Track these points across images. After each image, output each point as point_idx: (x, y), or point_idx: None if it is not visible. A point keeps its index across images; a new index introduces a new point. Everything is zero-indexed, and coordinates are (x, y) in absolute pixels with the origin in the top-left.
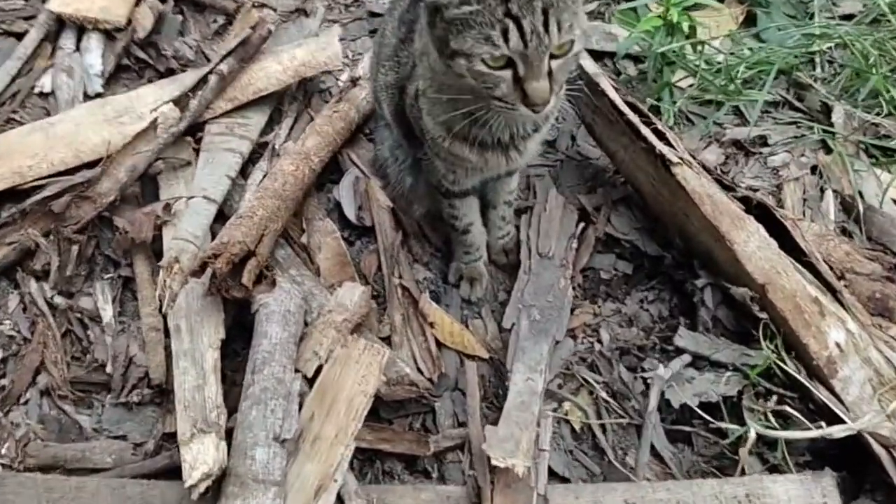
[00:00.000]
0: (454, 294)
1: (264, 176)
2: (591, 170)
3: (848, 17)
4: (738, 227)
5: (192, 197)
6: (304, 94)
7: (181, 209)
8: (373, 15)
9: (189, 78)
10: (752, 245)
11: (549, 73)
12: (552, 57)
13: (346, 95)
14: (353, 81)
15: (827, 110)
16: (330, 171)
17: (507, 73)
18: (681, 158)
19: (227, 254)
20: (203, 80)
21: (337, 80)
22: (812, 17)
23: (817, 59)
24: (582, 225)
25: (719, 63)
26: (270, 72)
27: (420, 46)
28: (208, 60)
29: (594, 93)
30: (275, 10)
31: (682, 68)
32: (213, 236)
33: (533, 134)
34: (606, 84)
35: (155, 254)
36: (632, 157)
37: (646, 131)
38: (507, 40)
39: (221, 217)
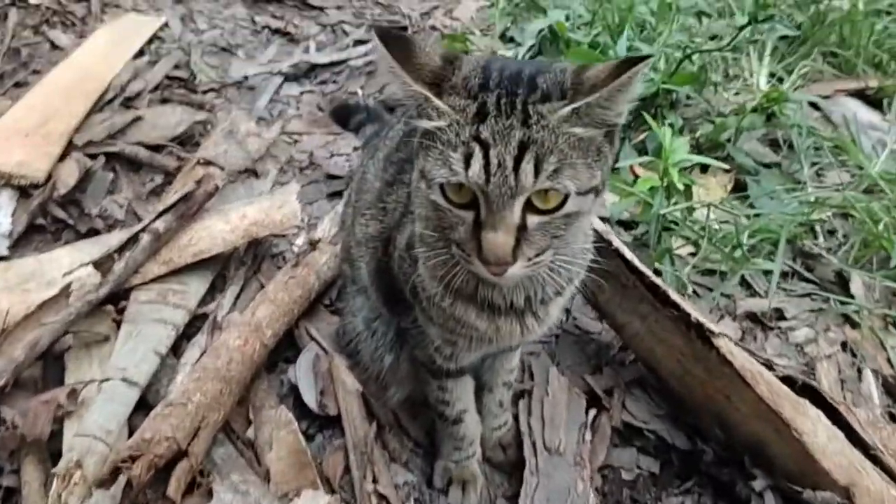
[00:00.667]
0: (442, 502)
1: (202, 353)
2: (594, 346)
3: (832, 188)
4: (800, 412)
5: (106, 380)
6: (253, 258)
7: (91, 396)
8: (331, 177)
9: (116, 238)
10: (821, 436)
11: (521, 228)
12: (533, 209)
13: (304, 259)
14: (313, 245)
15: (842, 280)
16: (284, 348)
17: (468, 215)
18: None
19: (150, 455)
20: (133, 240)
21: (291, 244)
22: (801, 184)
23: (818, 228)
24: (593, 412)
25: (716, 230)
26: (215, 231)
27: (415, 176)
28: (140, 220)
29: (601, 254)
30: (222, 168)
31: (680, 235)
32: (132, 431)
33: (554, 297)
34: (619, 243)
35: (52, 455)
36: (651, 329)
37: (676, 297)
38: (467, 167)
39: (144, 405)
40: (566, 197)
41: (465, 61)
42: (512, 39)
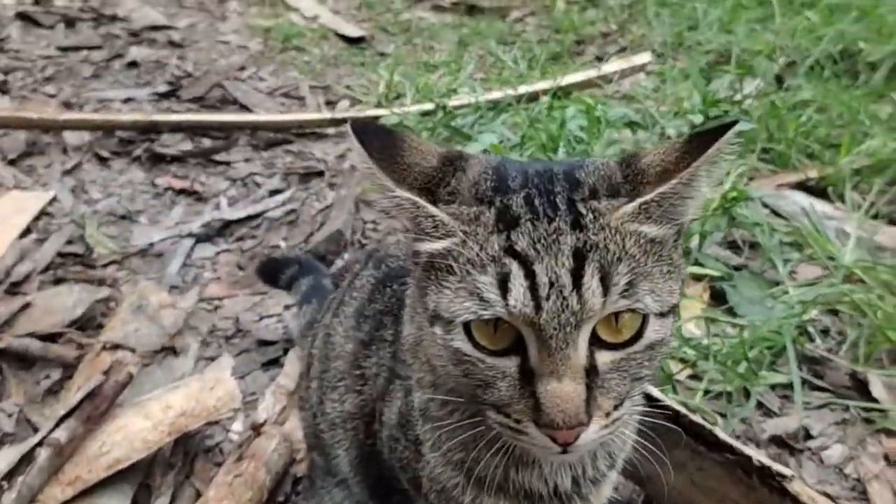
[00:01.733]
0: None
1: None
2: None
3: (812, 284)
4: None
5: None
6: (183, 457)
7: None
8: (264, 343)
9: (3, 458)
10: None
11: (591, 371)
12: (601, 344)
13: (248, 450)
14: (256, 429)
15: (858, 384)
16: None
17: (511, 363)
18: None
19: None
20: (27, 459)
21: (227, 431)
22: (777, 284)
23: (811, 329)
24: None
25: (715, 347)
26: (133, 432)
27: (413, 330)
28: (36, 430)
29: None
30: (133, 351)
31: (674, 358)
32: None
33: (608, 472)
34: None
35: None
36: (693, 479)
37: (726, 437)
38: (504, 292)
39: None
40: (644, 320)
41: (473, 162)
42: None
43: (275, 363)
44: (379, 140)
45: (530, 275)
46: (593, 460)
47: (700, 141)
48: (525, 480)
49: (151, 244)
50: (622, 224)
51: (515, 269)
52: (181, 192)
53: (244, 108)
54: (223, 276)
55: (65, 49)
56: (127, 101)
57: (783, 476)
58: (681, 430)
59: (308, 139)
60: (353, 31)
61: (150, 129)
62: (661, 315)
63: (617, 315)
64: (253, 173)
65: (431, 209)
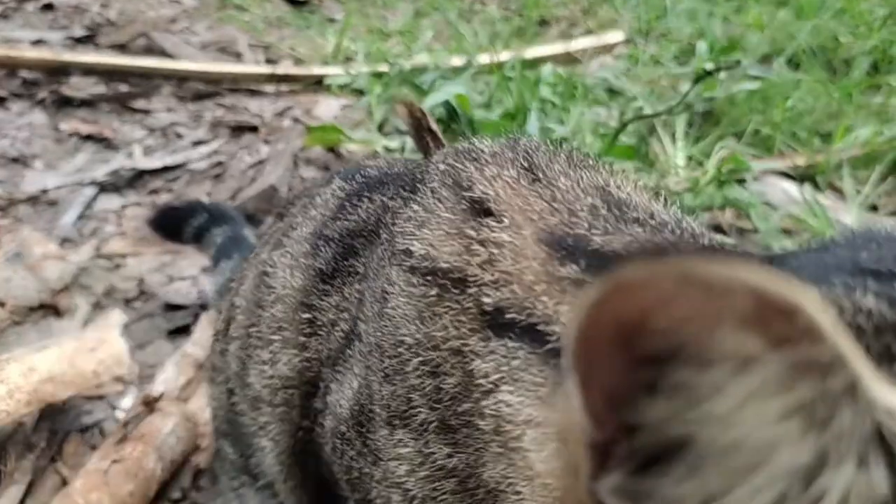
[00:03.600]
0: None
1: None
2: None
3: None
4: None
5: None
6: (49, 436)
7: None
8: (171, 308)
9: None
10: None
11: None
12: None
13: (135, 431)
14: (149, 405)
15: None
16: None
17: None
18: None
19: None
20: None
21: (114, 409)
22: None
23: None
24: None
25: None
26: None
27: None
28: None
29: None
30: (2, 304)
31: None
32: None
33: None
34: None
35: None
36: None
37: None
38: None
39: None
40: None
41: None
42: (397, 130)
43: (184, 332)
44: None
45: None
46: None
47: None
48: None
49: (45, 191)
50: None
51: None
52: (88, 137)
53: (171, 58)
54: (129, 231)
55: None
56: (37, 42)
57: None
58: None
59: (243, 94)
60: None
61: (60, 72)
62: None
63: None
64: (175, 123)
65: None
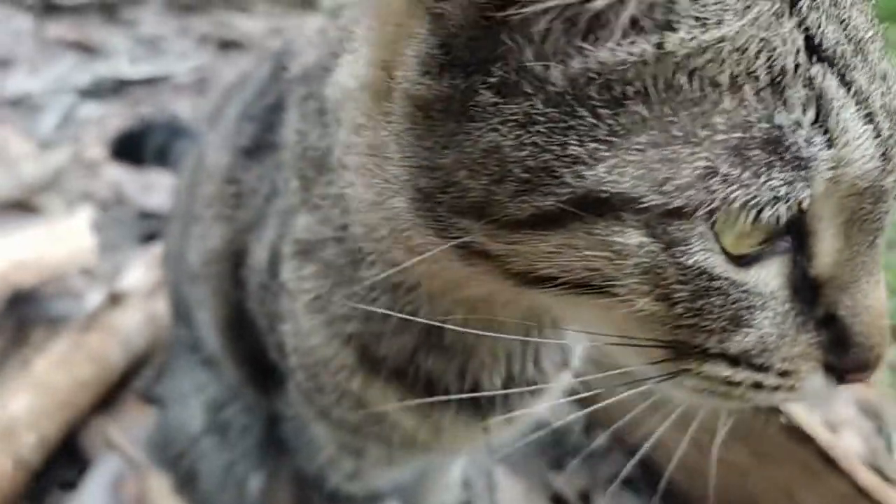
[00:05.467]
0: None
1: None
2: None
3: None
4: None
5: None
6: (15, 323)
7: None
8: (146, 216)
9: None
10: None
11: None
12: None
13: (99, 321)
14: (115, 299)
15: None
16: (62, 464)
17: (770, 275)
18: None
19: None
20: None
21: (81, 301)
22: None
23: None
24: None
25: None
26: None
27: (343, 140)
28: None
29: None
30: None
31: None
32: None
33: (556, 374)
34: None
35: None
36: None
37: None
38: (831, 138)
39: None
40: None
41: None
42: None
43: (157, 238)
44: None
45: (863, 101)
46: (536, 353)
47: None
48: (435, 368)
49: (28, 94)
50: None
51: (834, 87)
52: (74, 44)
53: None
54: (109, 139)
55: None
56: None
57: None
58: None
59: (233, 11)
60: None
61: None
62: None
63: None
64: (162, 35)
65: None
